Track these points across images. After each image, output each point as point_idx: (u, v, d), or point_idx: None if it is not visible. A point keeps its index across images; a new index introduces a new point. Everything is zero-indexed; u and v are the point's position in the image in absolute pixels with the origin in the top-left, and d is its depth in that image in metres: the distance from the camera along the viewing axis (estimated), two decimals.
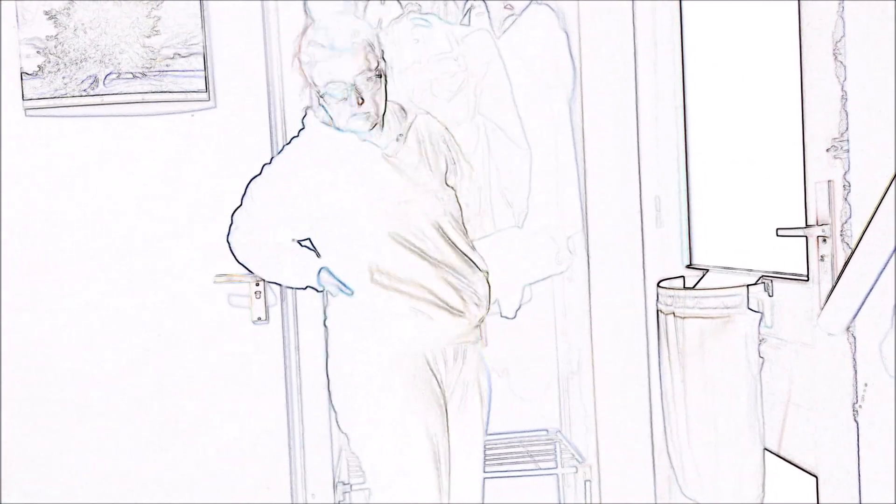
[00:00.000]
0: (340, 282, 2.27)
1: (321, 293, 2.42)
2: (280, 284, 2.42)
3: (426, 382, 2.28)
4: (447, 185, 2.36)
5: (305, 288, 2.32)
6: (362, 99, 2.21)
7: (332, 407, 2.34)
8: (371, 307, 2.27)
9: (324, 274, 2.29)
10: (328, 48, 2.21)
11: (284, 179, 2.28)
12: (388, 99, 2.31)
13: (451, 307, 2.28)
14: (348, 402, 2.29)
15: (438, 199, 2.31)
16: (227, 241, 2.33)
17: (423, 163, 2.32)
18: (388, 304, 2.26)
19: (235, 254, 2.34)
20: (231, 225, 2.32)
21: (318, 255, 2.31)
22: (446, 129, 2.42)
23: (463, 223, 2.37)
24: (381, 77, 2.24)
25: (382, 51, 2.27)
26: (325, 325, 2.38)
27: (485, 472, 2.41)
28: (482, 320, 2.36)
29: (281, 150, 2.38)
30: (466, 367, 2.34)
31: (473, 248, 2.37)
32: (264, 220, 2.28)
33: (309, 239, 2.32)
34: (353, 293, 2.26)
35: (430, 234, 2.28)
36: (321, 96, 2.26)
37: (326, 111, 2.27)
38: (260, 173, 2.31)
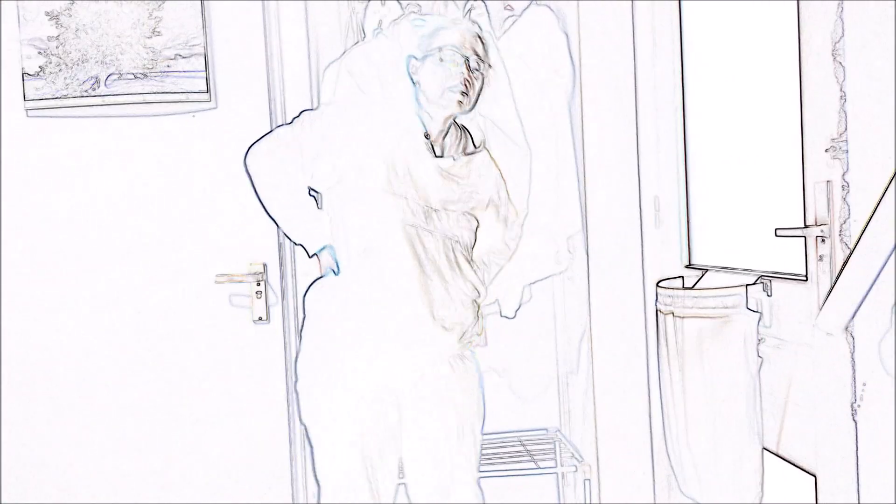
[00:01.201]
0: (335, 260, 2.28)
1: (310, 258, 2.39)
2: (273, 220, 2.34)
3: (382, 408, 2.28)
4: (474, 216, 2.38)
5: (296, 244, 2.34)
6: (469, 75, 2.27)
7: (296, 391, 2.34)
8: (353, 294, 2.26)
9: (326, 251, 2.29)
10: (450, 22, 2.34)
11: (341, 121, 2.30)
12: (469, 111, 2.35)
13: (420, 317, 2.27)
14: (310, 393, 2.29)
15: (461, 220, 2.33)
16: (251, 147, 2.31)
17: (463, 186, 2.33)
18: (367, 294, 2.26)
19: (255, 160, 2.31)
20: (267, 134, 2.32)
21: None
22: (502, 177, 2.45)
23: (471, 254, 2.38)
24: (482, 79, 2.32)
25: (490, 64, 2.36)
26: (303, 304, 2.36)
27: (481, 471, 2.40)
28: (460, 341, 2.32)
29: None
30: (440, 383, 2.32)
31: (477, 280, 2.37)
32: (306, 147, 2.28)
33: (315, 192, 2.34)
34: (339, 273, 2.27)
35: (437, 246, 2.29)
36: (422, 59, 2.28)
37: (415, 83, 2.30)
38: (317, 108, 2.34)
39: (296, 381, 2.34)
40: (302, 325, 2.34)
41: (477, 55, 2.29)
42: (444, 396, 2.31)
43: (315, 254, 2.32)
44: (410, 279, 2.26)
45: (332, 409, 2.27)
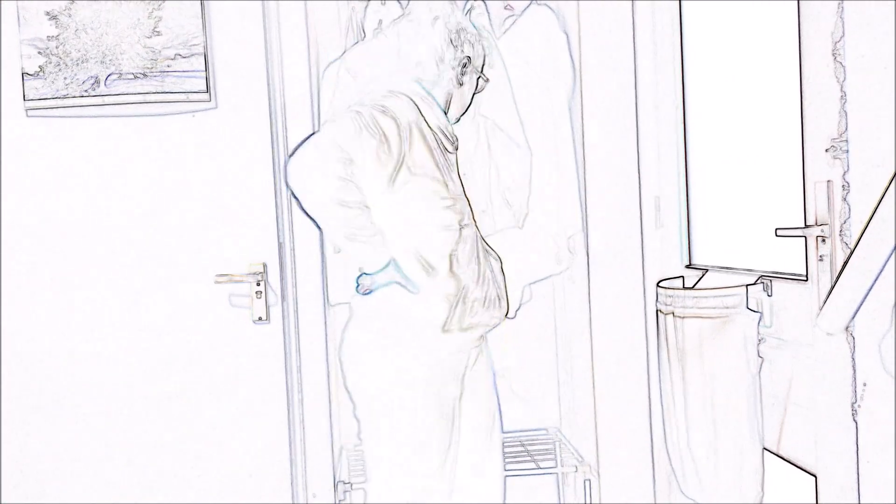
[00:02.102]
0: (406, 276, 2.23)
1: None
2: (318, 227, 2.26)
3: (451, 398, 2.29)
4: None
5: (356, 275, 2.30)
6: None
7: (347, 390, 2.32)
8: (435, 300, 2.24)
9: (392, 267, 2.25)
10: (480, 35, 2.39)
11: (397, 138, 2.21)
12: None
13: (498, 299, 2.32)
14: (367, 396, 2.28)
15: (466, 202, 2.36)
16: (306, 156, 2.17)
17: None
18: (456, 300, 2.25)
19: (308, 172, 2.16)
20: (307, 143, 2.19)
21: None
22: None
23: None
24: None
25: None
26: (350, 305, 2.31)
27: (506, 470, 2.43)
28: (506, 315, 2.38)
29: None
30: (480, 363, 2.37)
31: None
32: (369, 164, 2.19)
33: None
34: (417, 291, 2.23)
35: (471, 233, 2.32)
36: (462, 66, 2.33)
37: (430, 92, 2.32)
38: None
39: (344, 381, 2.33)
40: (346, 328, 2.32)
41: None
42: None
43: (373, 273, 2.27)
44: (482, 267, 2.32)
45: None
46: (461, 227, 2.26)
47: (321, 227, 2.23)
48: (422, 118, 2.25)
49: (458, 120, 2.41)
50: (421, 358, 2.24)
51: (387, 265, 2.22)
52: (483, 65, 2.41)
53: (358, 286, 2.27)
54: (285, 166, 2.44)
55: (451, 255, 2.24)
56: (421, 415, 2.24)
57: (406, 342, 2.24)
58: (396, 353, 2.25)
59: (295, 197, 2.21)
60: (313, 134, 2.26)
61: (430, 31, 2.32)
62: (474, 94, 2.41)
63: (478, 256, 2.29)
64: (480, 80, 2.40)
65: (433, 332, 2.24)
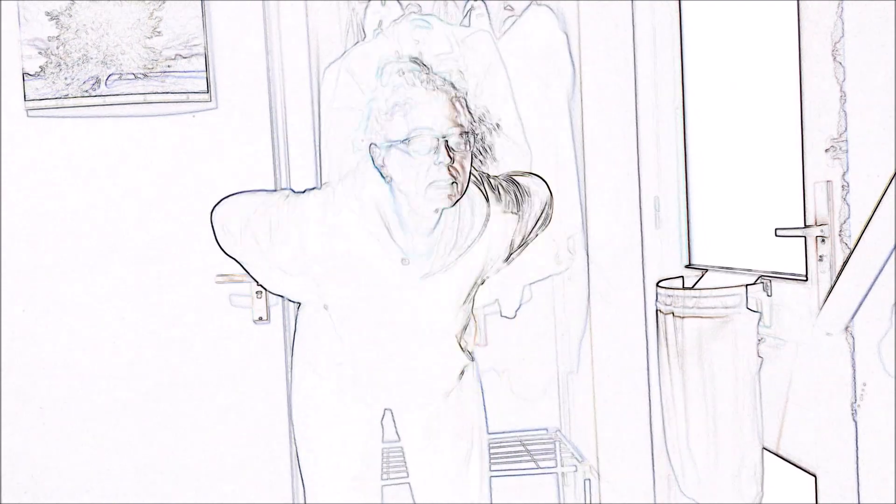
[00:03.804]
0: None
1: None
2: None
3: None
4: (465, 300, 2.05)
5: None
6: (452, 157, 1.76)
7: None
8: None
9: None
10: (421, 86, 1.77)
11: (311, 218, 1.97)
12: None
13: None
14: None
15: (446, 321, 2.03)
16: (212, 218, 2.10)
17: (456, 287, 1.98)
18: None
19: (221, 242, 2.11)
20: (223, 209, 2.11)
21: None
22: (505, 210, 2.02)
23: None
24: (468, 142, 1.82)
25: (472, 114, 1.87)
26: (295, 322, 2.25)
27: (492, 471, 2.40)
28: None
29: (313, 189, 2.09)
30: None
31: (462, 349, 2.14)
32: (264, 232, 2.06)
33: None
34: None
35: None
36: (386, 148, 1.81)
37: (381, 175, 1.85)
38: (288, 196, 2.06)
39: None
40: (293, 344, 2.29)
41: (460, 125, 1.79)
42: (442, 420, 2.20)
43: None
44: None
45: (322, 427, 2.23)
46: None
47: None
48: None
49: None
50: None
51: None
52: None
53: None
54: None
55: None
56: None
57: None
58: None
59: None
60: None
61: None
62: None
63: None
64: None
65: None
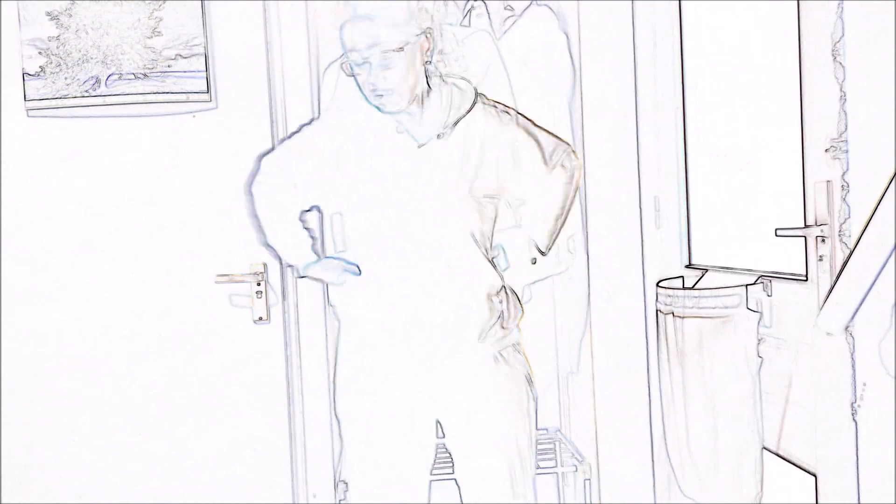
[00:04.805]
0: (346, 262, 2.27)
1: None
2: (275, 251, 2.40)
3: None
4: (485, 196, 2.25)
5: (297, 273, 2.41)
6: (377, 73, 2.08)
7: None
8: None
9: (321, 264, 2.31)
10: (351, 12, 2.12)
11: (319, 142, 2.27)
12: (444, 80, 2.22)
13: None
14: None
15: (454, 210, 2.23)
16: (250, 190, 2.34)
17: (455, 167, 2.22)
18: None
19: (256, 204, 2.34)
20: (258, 172, 2.34)
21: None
22: (528, 132, 2.29)
23: (485, 240, 2.31)
24: (407, 54, 2.10)
25: (428, 28, 2.14)
26: (332, 308, 2.39)
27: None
28: (481, 340, 2.28)
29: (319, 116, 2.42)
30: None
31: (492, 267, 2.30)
32: (295, 174, 2.30)
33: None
34: (359, 273, 2.25)
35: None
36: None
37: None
38: (297, 131, 2.33)
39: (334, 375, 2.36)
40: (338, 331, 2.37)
41: (383, 42, 2.08)
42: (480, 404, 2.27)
43: (303, 274, 2.36)
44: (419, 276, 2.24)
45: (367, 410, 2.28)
46: None
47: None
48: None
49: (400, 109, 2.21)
50: None
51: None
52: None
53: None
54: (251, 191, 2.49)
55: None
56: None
57: None
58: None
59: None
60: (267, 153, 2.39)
61: None
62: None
63: None
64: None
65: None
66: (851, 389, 1.86)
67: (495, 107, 2.27)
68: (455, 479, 2.34)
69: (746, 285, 2.20)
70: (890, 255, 1.70)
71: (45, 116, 2.61)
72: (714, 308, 2.25)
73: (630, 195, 2.70)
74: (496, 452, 2.25)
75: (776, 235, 2.01)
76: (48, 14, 2.56)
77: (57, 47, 2.56)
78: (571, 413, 2.88)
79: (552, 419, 2.91)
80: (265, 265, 2.67)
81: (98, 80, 2.58)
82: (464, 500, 2.31)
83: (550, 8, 2.68)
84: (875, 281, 1.73)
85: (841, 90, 1.84)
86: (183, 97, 2.60)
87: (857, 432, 1.86)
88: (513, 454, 2.26)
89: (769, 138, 2.23)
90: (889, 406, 1.77)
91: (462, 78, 2.30)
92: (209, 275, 2.66)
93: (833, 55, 1.86)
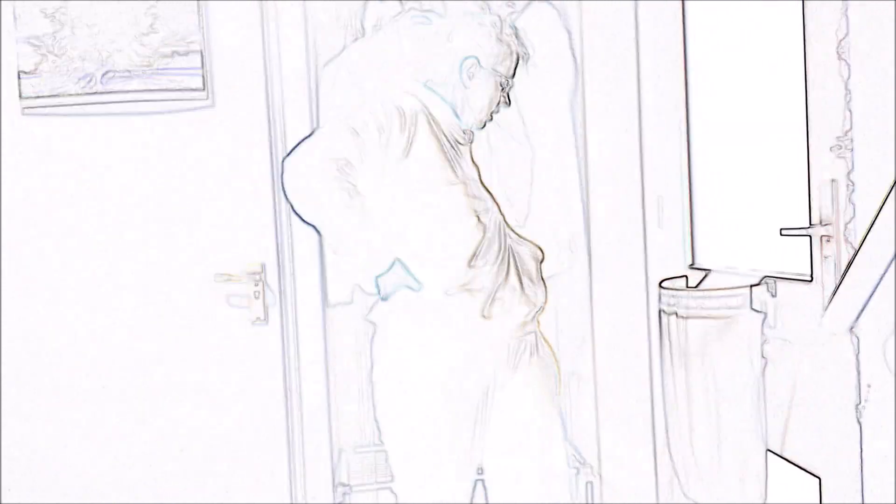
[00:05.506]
0: (412, 276, 2.30)
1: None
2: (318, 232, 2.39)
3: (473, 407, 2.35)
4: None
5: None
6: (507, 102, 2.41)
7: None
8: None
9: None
10: (505, 41, 2.40)
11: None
12: None
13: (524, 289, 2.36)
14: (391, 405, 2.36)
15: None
16: (299, 163, 2.30)
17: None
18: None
19: (303, 179, 2.30)
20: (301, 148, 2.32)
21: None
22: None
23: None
24: None
25: None
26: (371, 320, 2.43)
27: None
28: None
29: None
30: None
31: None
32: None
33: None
34: (420, 288, 2.29)
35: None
36: (484, 70, 2.35)
37: (463, 84, 2.35)
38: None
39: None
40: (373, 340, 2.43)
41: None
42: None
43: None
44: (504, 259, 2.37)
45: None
46: (477, 214, 2.28)
47: (320, 231, 2.33)
48: (428, 111, 2.28)
49: (483, 126, 2.44)
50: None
51: (392, 266, 2.26)
52: (511, 68, 2.43)
53: (378, 290, 2.31)
54: (283, 166, 2.45)
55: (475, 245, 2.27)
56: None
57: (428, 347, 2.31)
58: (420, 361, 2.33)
59: (292, 205, 2.33)
60: (306, 139, 2.31)
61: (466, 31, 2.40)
62: (500, 101, 2.45)
63: (501, 244, 2.31)
64: (502, 83, 2.42)
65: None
66: (856, 391, 1.85)
67: None
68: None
69: (750, 286, 2.19)
70: (895, 256, 1.69)
71: (41, 114, 2.61)
72: (718, 309, 2.24)
73: (633, 194, 2.69)
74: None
75: (781, 235, 2.01)
76: (43, 11, 2.56)
77: (52, 45, 2.56)
78: (572, 413, 2.87)
79: None
80: (263, 265, 2.67)
81: (94, 78, 2.57)
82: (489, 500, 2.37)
83: (552, 5, 2.67)
84: (880, 281, 1.73)
85: (846, 88, 1.83)
86: (179, 95, 2.59)
87: (861, 434, 1.85)
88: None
89: (773, 136, 2.22)
90: (893, 407, 1.76)
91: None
92: (207, 275, 2.66)
93: (838, 53, 1.85)
